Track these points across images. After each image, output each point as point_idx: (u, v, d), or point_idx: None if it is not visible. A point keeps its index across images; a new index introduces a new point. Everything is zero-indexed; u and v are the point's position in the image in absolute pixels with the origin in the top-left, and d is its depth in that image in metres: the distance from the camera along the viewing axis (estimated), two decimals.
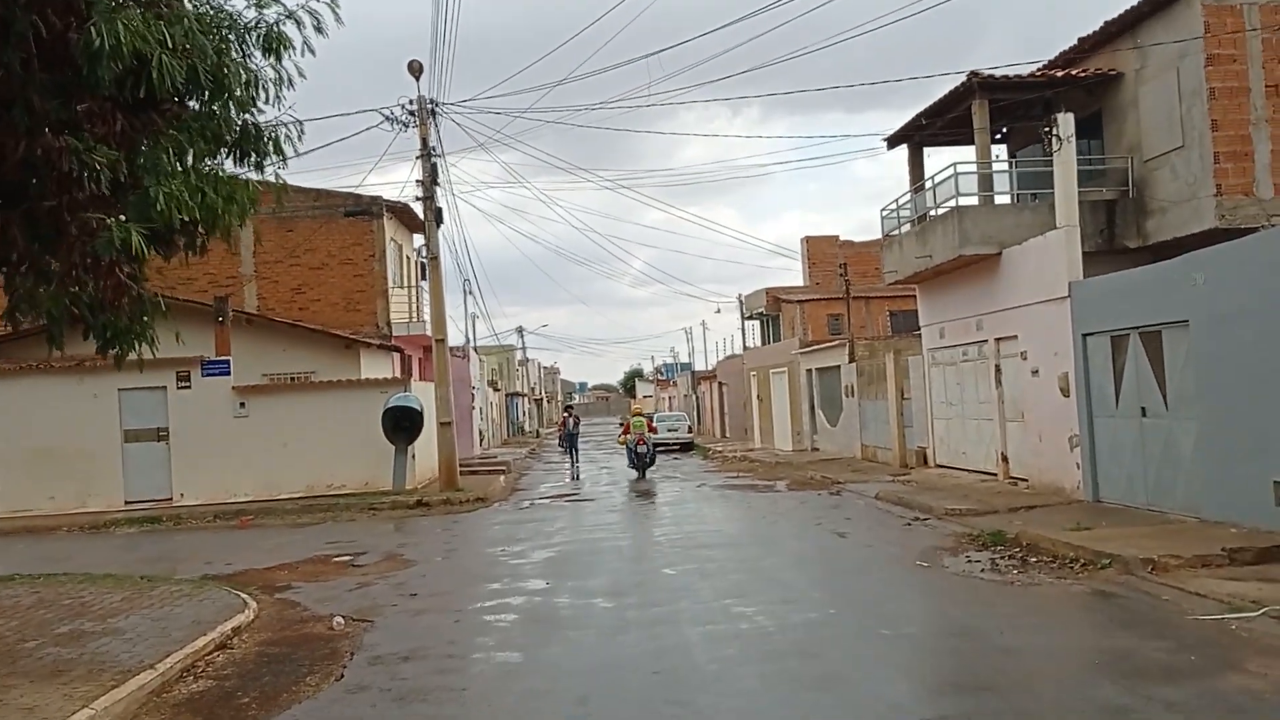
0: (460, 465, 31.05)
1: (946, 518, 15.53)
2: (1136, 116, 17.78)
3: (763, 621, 8.98)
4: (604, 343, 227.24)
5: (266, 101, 7.15)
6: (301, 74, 7.09)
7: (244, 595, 11.31)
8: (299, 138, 7.38)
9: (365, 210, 27.83)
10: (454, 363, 34.35)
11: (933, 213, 19.92)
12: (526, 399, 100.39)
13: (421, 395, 24.95)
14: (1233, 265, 12.11)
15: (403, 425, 21.76)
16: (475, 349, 47.50)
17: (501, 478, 27.02)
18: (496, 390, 64.12)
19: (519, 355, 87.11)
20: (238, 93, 6.87)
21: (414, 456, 23.01)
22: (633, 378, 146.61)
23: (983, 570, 11.18)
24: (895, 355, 25.23)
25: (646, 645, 8.36)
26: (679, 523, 16.94)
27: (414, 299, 32.76)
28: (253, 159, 7.55)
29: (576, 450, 30.50)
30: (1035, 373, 17.33)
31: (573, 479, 27.85)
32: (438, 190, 23.00)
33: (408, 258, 32.65)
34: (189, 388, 22.71)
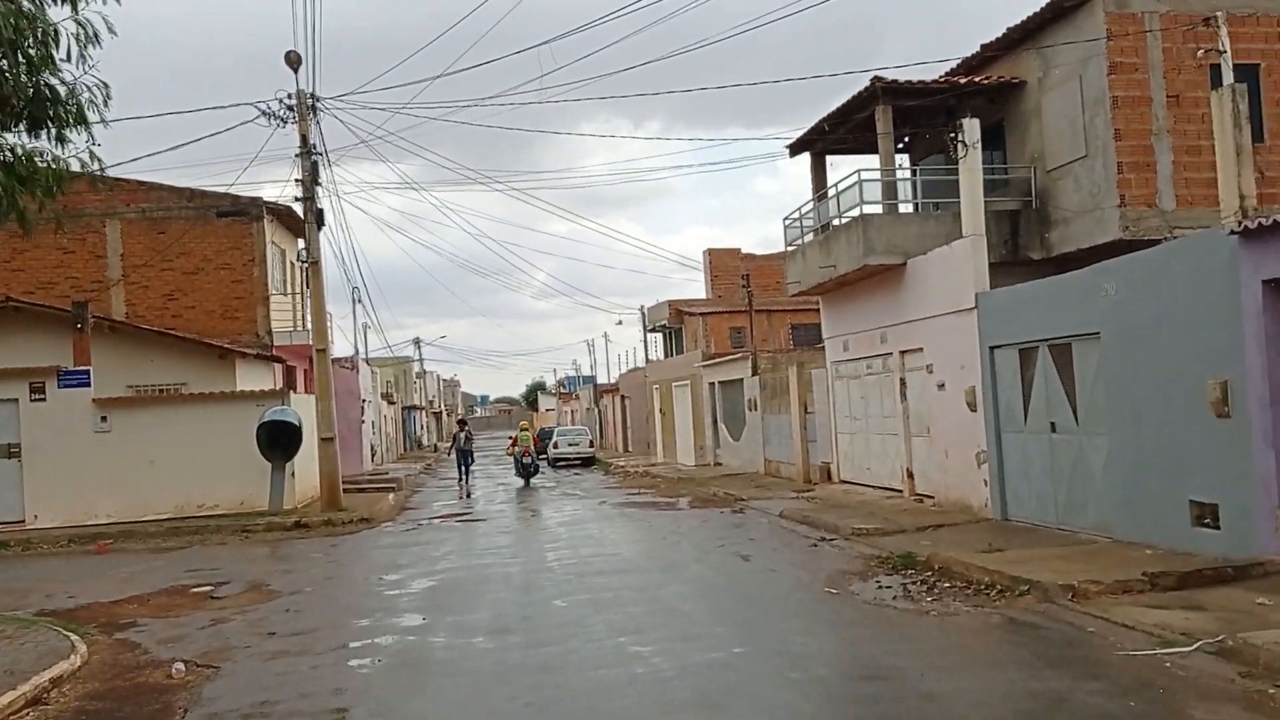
0: (347, 483, 29.56)
1: (853, 538, 14.87)
2: (1039, 125, 17.50)
3: (660, 664, 8.06)
4: (505, 355, 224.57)
5: (69, 60, 5.96)
6: (111, 29, 5.92)
7: (74, 637, 9.96)
8: (105, 103, 6.17)
9: (242, 211, 26.20)
10: (341, 374, 32.82)
11: (836, 222, 19.38)
12: (425, 412, 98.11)
13: (302, 408, 23.48)
14: (1145, 275, 11.68)
15: (280, 441, 20.33)
16: (367, 360, 45.77)
17: (391, 496, 25.66)
18: (392, 403, 62.16)
19: (416, 367, 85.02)
20: (31, 51, 5.68)
21: (293, 474, 21.57)
22: (535, 390, 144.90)
23: (895, 598, 10.47)
24: (798, 368, 24.70)
25: (527, 697, 7.36)
26: (575, 545, 15.95)
27: (298, 307, 31.15)
28: (51, 129, 6.31)
29: (469, 467, 29.31)
30: (941, 386, 16.85)
31: (464, 497, 26.68)
32: (319, 191, 21.67)
33: (292, 263, 31.00)
34: (44, 400, 20.89)
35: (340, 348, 36.44)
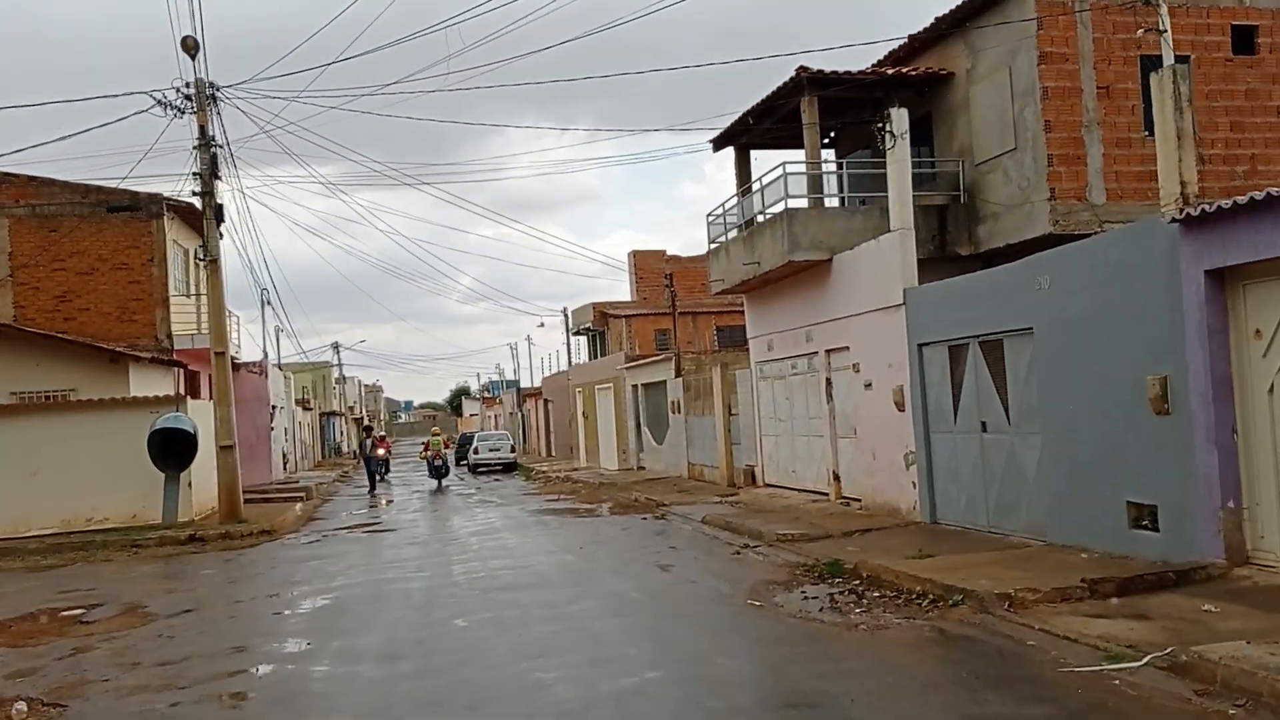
0: (254, 492, 28.19)
1: (778, 545, 14.20)
2: (968, 118, 17.06)
3: (565, 694, 7.22)
4: (428, 359, 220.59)
5: None
6: None
7: None
8: None
9: (137, 206, 24.70)
10: (249, 380, 31.39)
11: (761, 217, 18.75)
12: (345, 418, 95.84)
13: (202, 415, 22.20)
14: (1081, 266, 11.17)
15: (173, 450, 19.03)
16: (279, 365, 44.14)
17: (299, 505, 24.40)
18: (308, 409, 60.32)
19: (336, 373, 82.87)
20: None
21: (190, 485, 20.27)
22: (459, 395, 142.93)
23: (821, 609, 9.77)
24: (722, 369, 24.06)
25: None
26: (485, 557, 15.03)
27: (201, 309, 29.63)
28: None
29: (384, 475, 28.17)
30: (868, 386, 16.29)
31: (370, 507, 25.41)
32: (219, 185, 20.40)
33: (196, 263, 29.46)
34: None
35: (248, 351, 34.92)
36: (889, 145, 15.25)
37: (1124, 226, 11.77)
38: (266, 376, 31.60)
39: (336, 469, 52.82)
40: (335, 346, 76.66)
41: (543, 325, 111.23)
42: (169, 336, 25.66)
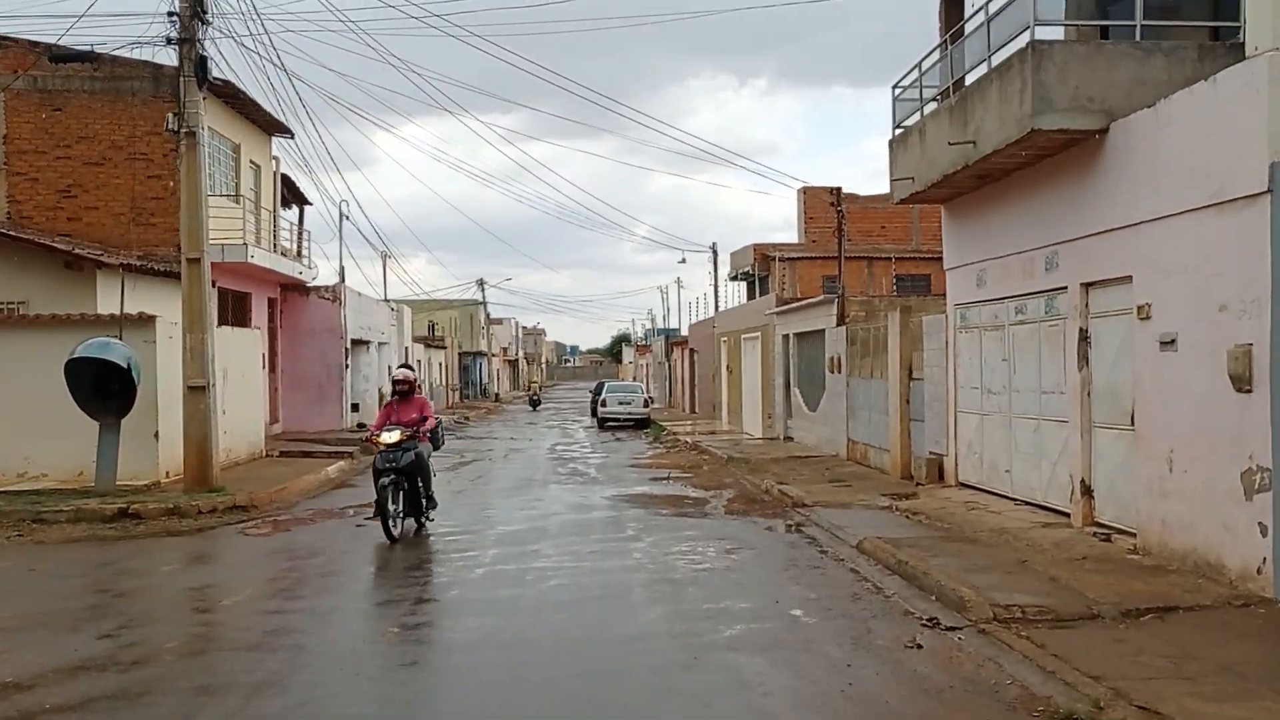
0: (303, 440, 23.13)
1: (997, 629, 7.52)
2: None
3: None
4: (574, 301, 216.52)
5: None
6: None
7: None
8: None
9: (160, 83, 19.61)
10: (319, 306, 26.36)
11: (983, 68, 11.72)
12: (497, 359, 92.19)
13: (238, 346, 17.20)
14: None
15: (109, 388, 13.70)
16: (387, 299, 39.33)
17: (332, 467, 18.90)
18: (439, 348, 55.91)
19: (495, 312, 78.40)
20: None
21: (157, 436, 15.05)
22: (619, 343, 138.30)
23: None
24: (902, 315, 17.12)
25: None
26: (492, 587, 9.00)
27: (261, 219, 24.57)
28: None
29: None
30: (1168, 344, 9.26)
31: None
32: (204, 31, 14.76)
33: (252, 163, 24.36)
34: None
35: (325, 274, 29.89)
36: None
37: None
38: (339, 303, 26.37)
39: (471, 411, 48.14)
40: (480, 283, 71.74)
41: (684, 261, 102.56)
42: None
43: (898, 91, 14.64)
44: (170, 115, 14.71)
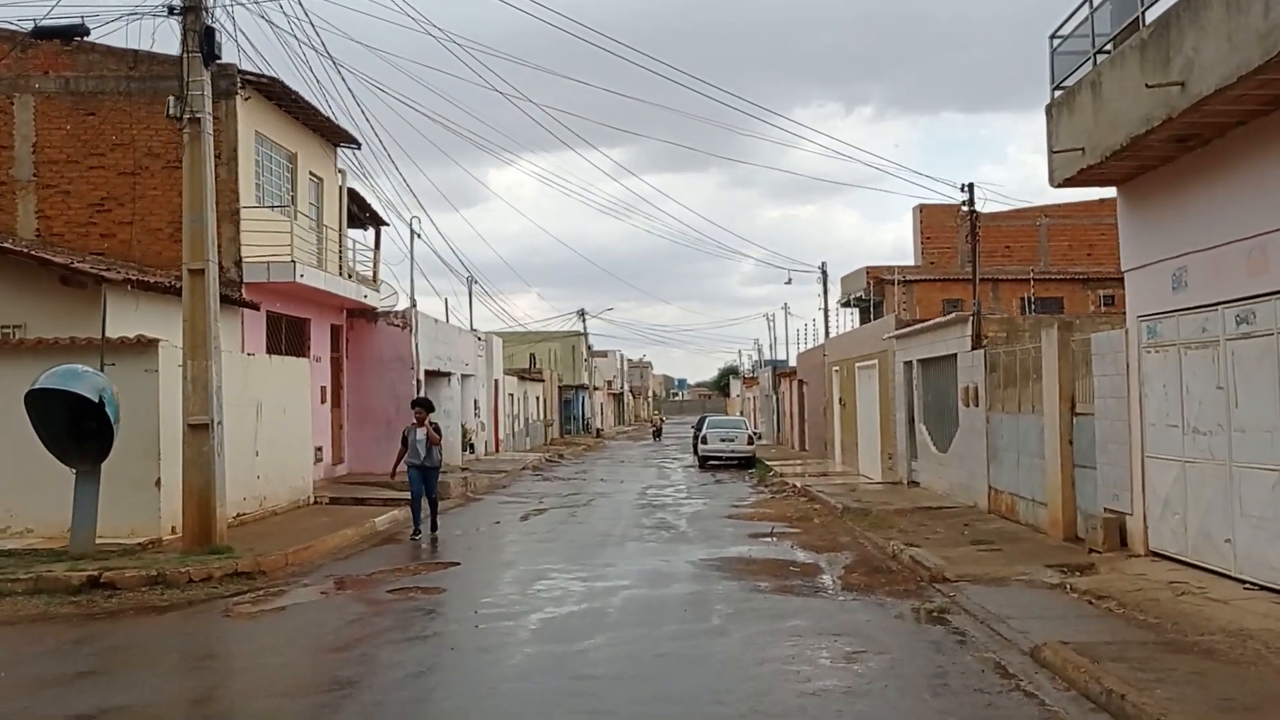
0: (355, 484, 20.75)
1: None
2: None
3: None
4: (677, 331, 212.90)
5: None
6: None
7: None
8: None
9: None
10: (387, 334, 24.08)
11: None
12: (601, 393, 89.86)
13: (279, 376, 14.99)
14: None
15: (85, 427, 11.32)
16: (474, 329, 37.10)
17: (383, 518, 16.33)
18: (536, 381, 53.67)
19: (600, 345, 75.91)
20: None
21: (159, 484, 12.66)
22: (726, 375, 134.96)
23: None
24: (1061, 332, 13.73)
25: None
26: None
27: (323, 235, 22.46)
28: None
29: (427, 490, 15.30)
30: None
31: (413, 537, 15.04)
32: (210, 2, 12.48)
33: (313, 175, 22.28)
34: None
35: (395, 296, 27.65)
36: None
37: None
38: (410, 330, 24.00)
39: (557, 449, 45.60)
40: (581, 314, 69.36)
41: (790, 282, 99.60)
42: (237, 264, 18.44)
43: (1056, 43, 11.44)
44: (171, 99, 12.42)
